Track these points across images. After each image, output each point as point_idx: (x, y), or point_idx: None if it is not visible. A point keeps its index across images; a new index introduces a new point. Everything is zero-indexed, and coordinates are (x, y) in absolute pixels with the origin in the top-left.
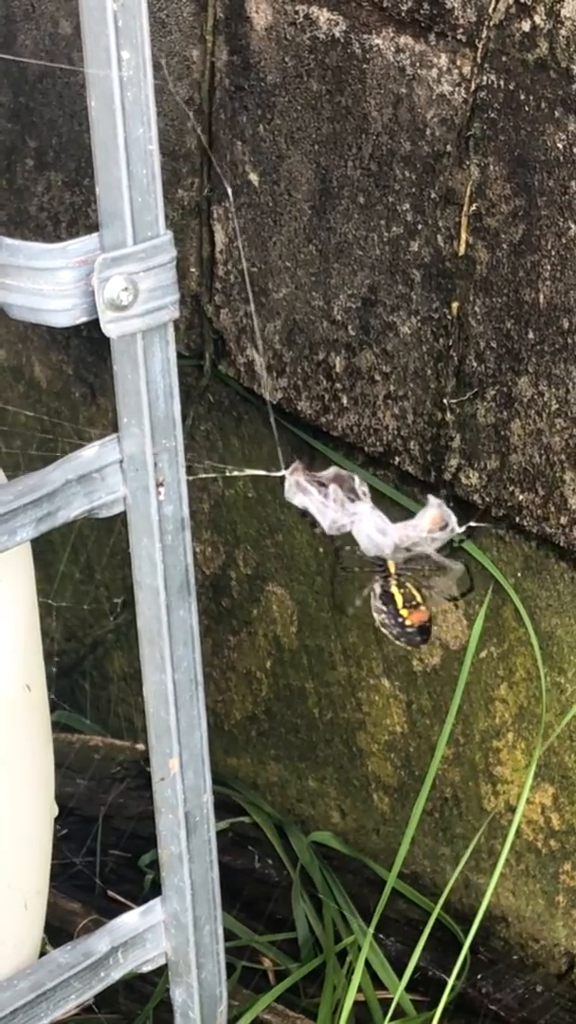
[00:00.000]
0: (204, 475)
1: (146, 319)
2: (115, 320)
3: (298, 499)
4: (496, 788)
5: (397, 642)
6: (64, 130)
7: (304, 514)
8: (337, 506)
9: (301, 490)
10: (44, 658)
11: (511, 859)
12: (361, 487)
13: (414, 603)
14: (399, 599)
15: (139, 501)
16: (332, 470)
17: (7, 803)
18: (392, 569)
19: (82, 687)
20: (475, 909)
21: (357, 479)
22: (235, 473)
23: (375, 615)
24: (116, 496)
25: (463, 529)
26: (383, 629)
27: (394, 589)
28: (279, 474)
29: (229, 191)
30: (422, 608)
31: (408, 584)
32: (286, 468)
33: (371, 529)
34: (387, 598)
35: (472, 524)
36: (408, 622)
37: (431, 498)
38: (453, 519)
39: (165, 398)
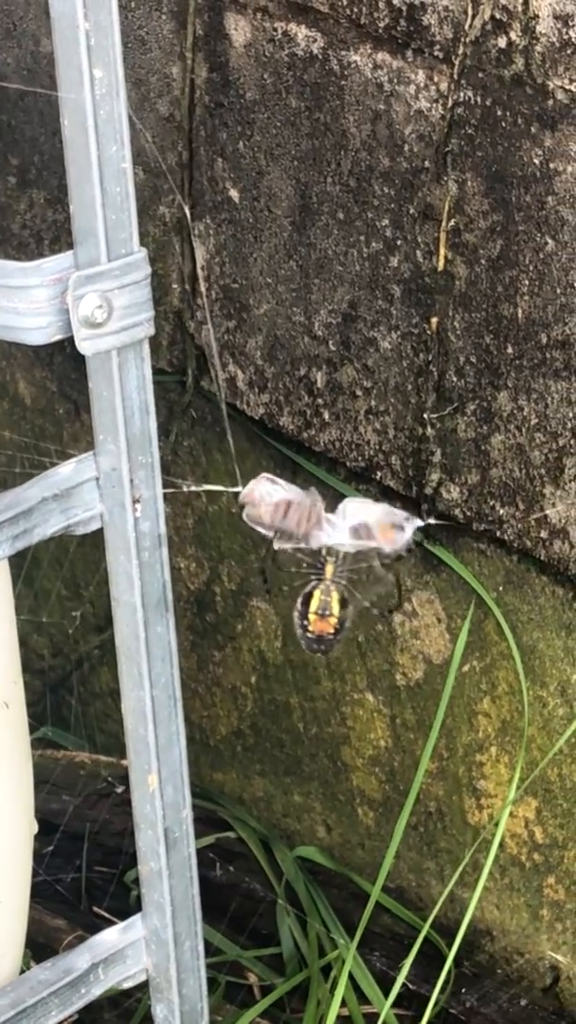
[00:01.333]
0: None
1: (121, 336)
2: (90, 337)
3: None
4: (480, 802)
5: (300, 642)
6: (46, 147)
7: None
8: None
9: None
10: (30, 674)
11: (495, 873)
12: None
13: (326, 613)
14: (314, 603)
15: (116, 518)
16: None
17: None
18: (328, 573)
19: (68, 703)
20: (459, 923)
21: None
22: (192, 488)
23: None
24: (93, 513)
25: (420, 525)
26: (295, 627)
27: (316, 592)
28: (235, 490)
29: (187, 212)
30: (331, 620)
31: (333, 592)
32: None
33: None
34: (306, 598)
35: (431, 521)
36: (311, 628)
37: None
38: (406, 522)
39: (141, 415)
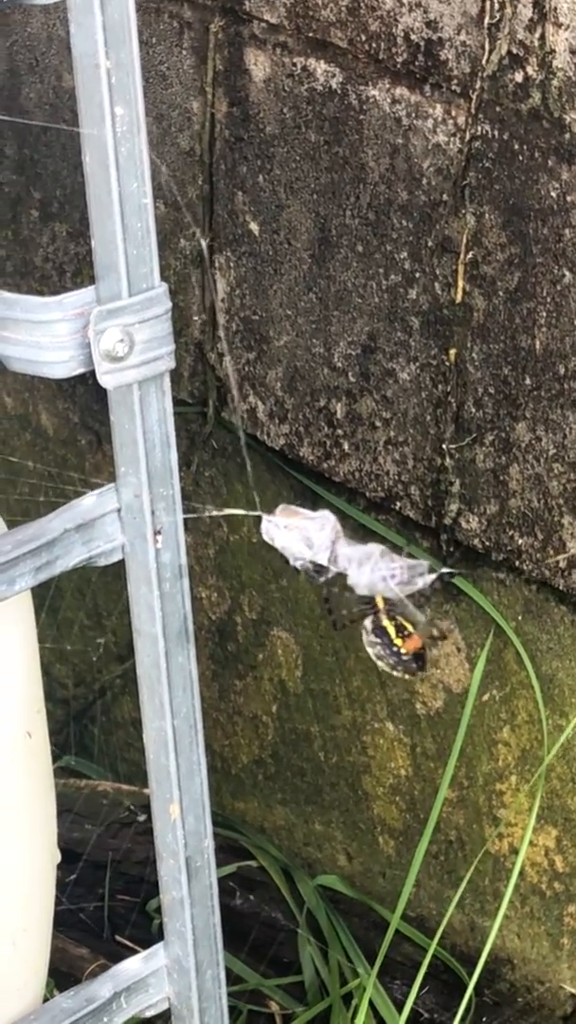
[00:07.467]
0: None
1: (142, 370)
2: (111, 371)
3: (277, 536)
4: (500, 831)
5: (394, 672)
6: (68, 181)
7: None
8: (320, 530)
9: (279, 528)
10: (53, 704)
11: (516, 901)
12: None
13: (406, 632)
14: (391, 630)
15: (137, 549)
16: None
17: (6, 849)
18: (380, 604)
19: (91, 732)
20: (480, 952)
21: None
22: (213, 513)
23: (369, 649)
24: (114, 544)
25: (437, 575)
26: (379, 662)
27: (385, 622)
28: (256, 513)
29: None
30: (414, 636)
31: (397, 616)
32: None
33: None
34: (380, 632)
35: (446, 570)
36: (403, 650)
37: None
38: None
39: (162, 447)
